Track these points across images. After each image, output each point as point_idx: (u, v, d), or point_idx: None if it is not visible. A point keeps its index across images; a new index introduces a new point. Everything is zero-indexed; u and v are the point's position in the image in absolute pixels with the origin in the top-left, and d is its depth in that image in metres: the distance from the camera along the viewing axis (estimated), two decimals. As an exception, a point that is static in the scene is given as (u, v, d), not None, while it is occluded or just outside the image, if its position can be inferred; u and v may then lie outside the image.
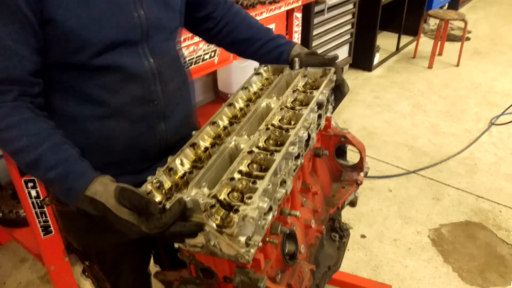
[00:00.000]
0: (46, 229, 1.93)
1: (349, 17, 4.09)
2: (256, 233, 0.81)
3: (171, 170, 0.91)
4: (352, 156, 1.52)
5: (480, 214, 2.75)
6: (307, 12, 3.43)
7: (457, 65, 4.86)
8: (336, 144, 1.42)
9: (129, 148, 1.10)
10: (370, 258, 2.43)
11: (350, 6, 4.02)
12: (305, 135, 1.00)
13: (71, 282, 2.17)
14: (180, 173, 0.93)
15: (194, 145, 0.99)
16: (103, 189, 0.84)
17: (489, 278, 2.30)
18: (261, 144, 0.99)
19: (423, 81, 4.56)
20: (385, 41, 5.16)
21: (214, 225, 0.80)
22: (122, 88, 1.04)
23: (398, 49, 5.20)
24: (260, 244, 0.82)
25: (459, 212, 2.77)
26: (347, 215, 2.71)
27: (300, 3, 3.07)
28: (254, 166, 0.93)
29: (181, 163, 0.95)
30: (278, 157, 0.91)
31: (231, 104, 1.14)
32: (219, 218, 0.81)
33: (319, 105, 1.14)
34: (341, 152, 1.50)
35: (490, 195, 2.91)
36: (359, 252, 2.47)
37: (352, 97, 4.15)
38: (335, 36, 3.99)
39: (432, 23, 6.01)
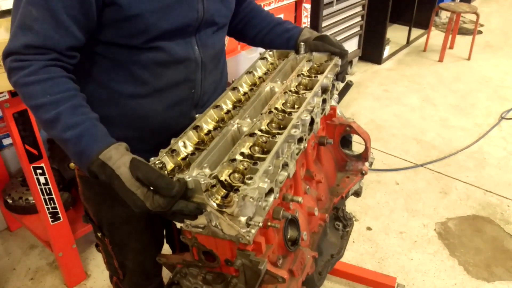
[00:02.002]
0: (54, 216, 1.96)
1: (359, 9, 4.06)
2: (257, 214, 0.82)
3: (173, 152, 0.92)
4: (358, 149, 1.52)
5: (487, 209, 2.73)
6: (316, 3, 3.42)
7: (468, 58, 4.80)
8: (341, 134, 1.42)
9: (159, 129, 1.14)
10: (376, 250, 2.43)
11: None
12: (308, 118, 1.00)
13: (79, 269, 2.21)
14: (182, 155, 0.94)
15: (197, 128, 1.00)
16: (118, 156, 0.86)
17: (495, 272, 2.29)
18: (263, 127, 1.00)
19: (433, 74, 4.51)
20: (396, 34, 5.11)
21: (214, 204, 0.81)
22: (166, 72, 1.08)
23: (408, 42, 5.15)
24: (261, 224, 0.82)
25: (467, 206, 2.75)
26: (353, 207, 2.71)
27: (309, -6, 3.05)
28: (256, 148, 0.93)
29: (184, 145, 0.96)
30: (280, 139, 0.91)
31: (235, 88, 1.15)
32: (219, 198, 0.82)
33: (324, 90, 1.14)
34: (346, 142, 1.50)
35: (498, 190, 2.88)
36: (364, 244, 2.47)
37: (361, 90, 4.13)
38: (344, 28, 3.97)
39: (444, 16, 5.93)
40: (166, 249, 1.47)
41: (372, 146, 1.63)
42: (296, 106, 1.07)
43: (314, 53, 1.26)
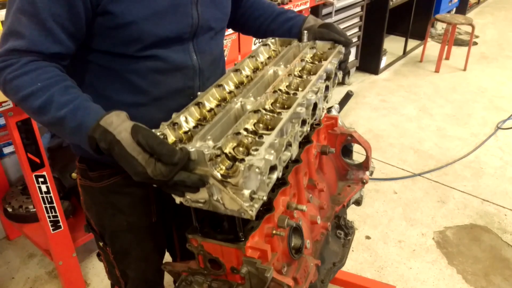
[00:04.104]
0: (55, 224, 1.96)
1: (356, 20, 4.11)
2: (261, 189, 0.79)
3: (175, 125, 0.89)
4: (358, 158, 1.54)
5: (485, 217, 2.75)
6: (315, 14, 3.46)
7: (464, 69, 4.86)
8: (343, 143, 1.44)
9: None
10: (375, 259, 2.44)
11: (358, 9, 4.04)
12: (314, 98, 0.98)
13: (78, 278, 2.20)
14: (184, 129, 0.91)
15: (199, 104, 0.96)
16: (119, 122, 0.83)
17: (494, 281, 2.30)
18: (267, 106, 0.97)
19: (429, 85, 4.56)
20: (392, 44, 5.16)
21: (218, 174, 0.78)
22: (164, 80, 1.08)
23: (405, 53, 5.21)
24: (265, 198, 0.80)
25: (464, 215, 2.77)
26: (352, 216, 2.72)
27: (308, 5, 3.10)
28: (260, 125, 0.91)
29: (186, 120, 0.92)
30: (285, 116, 0.89)
31: (237, 70, 1.12)
32: (224, 168, 0.79)
33: (327, 76, 1.12)
34: (347, 151, 1.52)
35: (495, 199, 2.91)
36: (363, 253, 2.48)
37: (359, 100, 4.17)
38: (342, 39, 4.01)
39: (440, 27, 6.01)
40: (166, 257, 1.47)
41: (371, 155, 1.66)
42: (300, 89, 1.04)
43: (317, 41, 1.24)
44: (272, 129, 0.87)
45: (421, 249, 2.51)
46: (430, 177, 3.13)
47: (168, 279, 1.41)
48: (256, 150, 0.79)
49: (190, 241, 0.96)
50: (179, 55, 1.08)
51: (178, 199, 0.84)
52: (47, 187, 1.86)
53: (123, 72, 1.04)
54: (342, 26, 3.93)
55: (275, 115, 0.91)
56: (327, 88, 1.12)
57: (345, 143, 1.45)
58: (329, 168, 1.43)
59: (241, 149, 0.84)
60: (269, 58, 1.23)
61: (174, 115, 0.92)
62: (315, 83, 1.04)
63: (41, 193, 1.86)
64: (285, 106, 0.97)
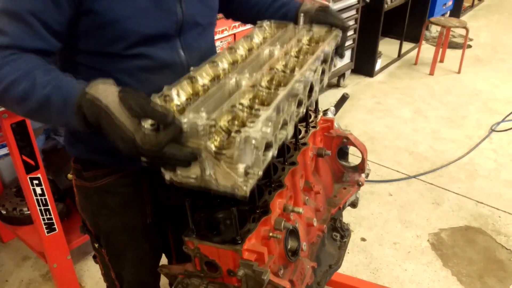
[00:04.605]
0: (50, 227, 1.95)
1: (351, 22, 4.12)
2: (256, 165, 0.75)
3: (166, 97, 0.85)
4: (353, 160, 1.55)
5: (479, 219, 2.77)
6: (310, 17, 3.47)
7: (459, 72, 4.89)
8: (338, 145, 1.44)
9: None
10: (370, 261, 2.45)
11: (353, 12, 4.06)
12: (311, 77, 0.95)
13: (73, 280, 2.19)
14: (175, 103, 0.87)
15: (191, 79, 0.92)
16: (106, 87, 0.78)
17: (488, 283, 2.32)
18: (263, 84, 0.93)
19: (424, 87, 4.59)
20: (387, 47, 5.19)
21: (212, 146, 0.73)
22: (152, 78, 1.07)
23: (399, 56, 5.23)
24: (260, 174, 0.76)
25: (459, 217, 2.79)
26: (347, 218, 2.72)
27: (303, 8, 3.10)
28: (256, 101, 0.87)
29: (177, 94, 0.88)
30: (282, 92, 0.85)
31: (231, 48, 1.09)
32: (218, 140, 0.75)
33: (324, 59, 1.09)
34: (343, 153, 1.52)
35: (489, 201, 2.92)
36: (359, 255, 2.49)
37: (354, 102, 4.18)
38: (337, 42, 4.03)
39: (434, 30, 6.04)
40: (162, 259, 1.47)
41: (367, 157, 1.67)
42: (297, 69, 1.01)
43: (314, 25, 1.21)
44: (268, 105, 0.82)
45: (416, 251, 2.52)
46: (425, 179, 3.15)
47: (164, 281, 1.40)
48: (253, 122, 0.74)
49: (187, 244, 0.95)
50: (166, 53, 1.07)
51: (168, 175, 0.79)
52: (42, 189, 1.85)
53: (111, 72, 1.03)
54: (337, 28, 3.95)
55: (273, 90, 0.87)
56: (323, 71, 1.08)
57: (341, 146, 1.45)
58: (325, 171, 1.43)
59: (236, 122, 0.80)
60: (264, 39, 1.19)
61: (165, 88, 0.86)
62: (313, 63, 1.00)
63: (36, 195, 1.85)
64: (282, 84, 0.93)
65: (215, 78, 0.97)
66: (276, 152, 0.83)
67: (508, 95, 4.39)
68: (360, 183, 1.48)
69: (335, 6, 3.68)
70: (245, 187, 0.74)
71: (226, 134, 0.77)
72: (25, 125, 1.72)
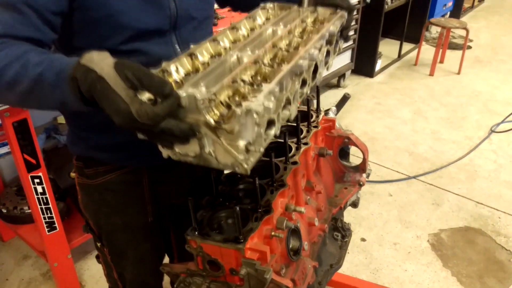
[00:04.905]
0: (50, 225, 1.95)
1: (352, 23, 4.12)
2: (257, 142, 0.72)
3: (165, 72, 0.81)
4: (353, 161, 1.55)
5: (479, 220, 2.77)
6: (311, 17, 3.47)
7: (458, 73, 4.90)
8: (340, 145, 1.45)
9: None
10: (370, 261, 2.45)
11: (353, 12, 4.06)
12: (317, 54, 0.91)
13: (73, 279, 2.19)
14: (174, 78, 0.83)
15: (191, 55, 0.88)
16: (101, 57, 0.73)
17: (488, 283, 2.32)
18: (266, 61, 0.90)
19: (424, 88, 4.59)
20: (387, 48, 5.19)
21: (212, 120, 0.69)
22: None
23: (400, 56, 5.24)
24: (262, 150, 0.73)
25: (459, 217, 2.79)
26: (347, 218, 2.72)
27: (304, 8, 3.10)
28: (258, 78, 0.84)
29: (177, 70, 0.84)
30: (286, 67, 0.82)
31: (234, 28, 1.06)
32: (218, 114, 0.71)
33: (329, 41, 1.06)
34: (344, 153, 1.53)
35: (489, 202, 2.93)
36: (359, 255, 2.49)
37: (354, 103, 4.18)
38: (338, 42, 4.03)
39: (434, 31, 6.05)
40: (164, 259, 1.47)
41: (367, 158, 1.67)
42: (301, 47, 0.96)
43: (318, 7, 1.18)
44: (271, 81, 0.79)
45: (416, 252, 2.52)
46: (425, 179, 3.15)
47: (166, 280, 1.40)
48: (255, 97, 0.71)
49: (189, 243, 0.96)
50: (162, 48, 1.07)
51: (165, 153, 0.76)
52: (43, 188, 1.86)
53: None
54: (338, 29, 3.95)
55: (276, 66, 0.84)
56: (328, 53, 1.04)
57: (342, 146, 1.45)
58: (326, 170, 1.43)
59: (237, 98, 0.76)
60: (267, 20, 1.16)
61: (164, 63, 0.83)
62: (318, 41, 0.97)
63: (37, 194, 1.85)
64: (285, 62, 0.89)
65: (216, 56, 0.92)
66: (278, 131, 0.79)
67: (508, 96, 4.39)
68: (361, 183, 1.49)
69: (336, 7, 3.68)
70: (246, 165, 0.71)
71: (227, 109, 0.73)
72: (27, 124, 1.72)
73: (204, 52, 0.92)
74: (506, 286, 2.31)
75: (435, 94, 4.46)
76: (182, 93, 0.68)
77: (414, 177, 3.17)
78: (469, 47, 5.57)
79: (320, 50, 0.95)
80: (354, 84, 4.62)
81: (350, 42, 4.25)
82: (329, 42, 1.04)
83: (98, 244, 1.33)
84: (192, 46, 0.91)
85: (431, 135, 3.74)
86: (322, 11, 1.17)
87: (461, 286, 2.30)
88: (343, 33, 1.16)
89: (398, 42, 5.20)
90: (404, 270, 2.39)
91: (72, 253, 2.13)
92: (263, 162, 1.20)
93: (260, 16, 1.15)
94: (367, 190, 2.99)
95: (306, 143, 1.22)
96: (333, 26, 1.05)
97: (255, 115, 0.67)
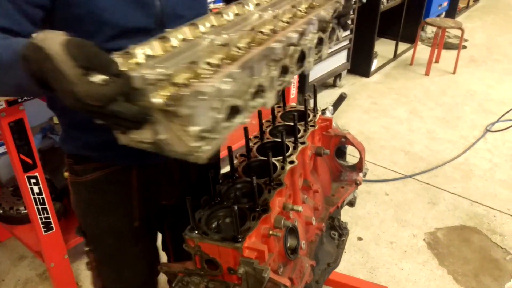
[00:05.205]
0: (47, 226, 1.95)
1: (350, 10, 4.13)
2: (216, 130, 0.67)
3: (127, 54, 0.75)
4: (350, 160, 1.56)
5: (475, 219, 2.79)
6: (307, 17, 3.48)
7: (454, 72, 4.92)
8: (337, 144, 1.45)
9: None
10: (367, 260, 2.46)
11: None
12: (296, 38, 0.86)
13: (70, 280, 2.18)
14: (137, 60, 0.77)
15: (163, 38, 0.82)
16: (52, 36, 0.69)
17: (484, 281, 2.33)
18: (241, 45, 0.83)
19: (420, 87, 4.61)
20: (383, 47, 5.21)
21: (160, 101, 0.65)
22: None
23: (395, 56, 5.26)
24: (223, 138, 0.68)
25: (454, 216, 2.81)
26: (344, 217, 2.71)
27: (300, 8, 3.11)
28: (227, 61, 0.77)
29: (144, 52, 0.78)
30: (255, 50, 0.76)
31: (219, 13, 0.98)
32: (167, 96, 0.66)
33: (322, 27, 0.98)
34: (341, 153, 1.53)
35: (485, 200, 2.95)
36: (355, 254, 2.50)
37: (350, 102, 4.19)
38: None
39: (429, 31, 6.08)
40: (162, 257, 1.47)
41: (364, 157, 1.69)
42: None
43: None
44: None
45: (413, 250, 2.53)
46: (420, 179, 3.17)
47: (163, 279, 1.40)
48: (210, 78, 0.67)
49: (187, 242, 0.96)
50: None
51: (122, 140, 0.73)
52: (40, 188, 1.85)
53: None
54: (334, 29, 3.96)
55: (247, 49, 0.78)
56: (321, 41, 0.97)
57: (339, 145, 1.46)
58: (323, 170, 1.44)
59: (196, 81, 0.70)
60: (257, 6, 1.07)
61: (131, 46, 0.78)
62: (300, 25, 0.90)
63: (33, 194, 1.85)
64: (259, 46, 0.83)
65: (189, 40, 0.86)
66: (248, 120, 0.74)
67: (503, 96, 4.42)
68: (358, 182, 1.49)
69: (332, 7, 3.69)
70: (202, 153, 0.65)
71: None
72: (23, 124, 1.71)
73: (178, 36, 0.85)
74: (501, 284, 2.32)
75: (430, 94, 4.48)
76: (134, 74, 0.64)
77: (410, 176, 3.19)
78: (464, 47, 5.60)
79: (303, 34, 0.88)
80: (350, 84, 4.63)
81: (346, 42, 4.26)
82: (322, 29, 0.98)
83: (86, 249, 1.30)
84: (166, 30, 0.85)
85: (427, 134, 3.76)
86: None
87: (457, 284, 2.32)
88: (340, 21, 1.08)
89: (393, 42, 5.21)
90: (400, 269, 2.40)
91: (69, 253, 2.12)
92: (261, 161, 1.21)
93: (252, 1, 1.07)
94: (363, 189, 3.00)
95: (303, 142, 1.23)
96: (324, 11, 0.99)
97: (206, 98, 0.62)
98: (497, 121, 3.94)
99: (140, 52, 0.76)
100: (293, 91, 3.57)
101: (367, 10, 4.31)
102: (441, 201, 2.94)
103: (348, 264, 2.42)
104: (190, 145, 0.64)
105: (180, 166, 1.23)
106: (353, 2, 1.13)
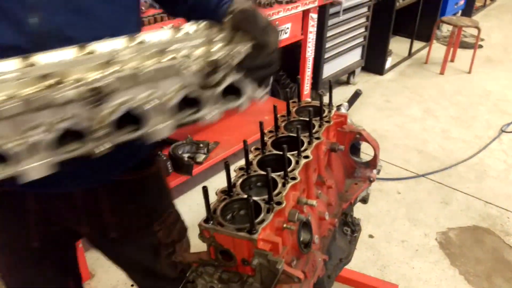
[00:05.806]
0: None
1: (363, 20, 4.12)
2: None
3: None
4: (363, 157, 1.56)
5: (488, 220, 2.76)
6: (322, 13, 3.47)
7: (469, 72, 4.86)
8: (351, 141, 1.45)
9: None
10: (378, 258, 2.45)
11: (365, 9, 4.05)
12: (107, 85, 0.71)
13: (83, 268, 2.21)
14: None
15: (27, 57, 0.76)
16: None
17: (496, 283, 2.32)
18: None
19: (434, 86, 4.57)
20: (398, 45, 5.17)
21: None
22: None
23: (410, 54, 5.22)
24: (17, 148, 0.65)
25: (467, 216, 2.79)
26: (355, 214, 2.73)
27: (316, 3, 3.11)
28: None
29: None
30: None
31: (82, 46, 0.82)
32: None
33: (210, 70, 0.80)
34: (355, 149, 1.53)
35: (498, 201, 2.92)
36: (366, 251, 2.50)
37: (363, 100, 4.17)
38: (348, 39, 4.03)
39: (445, 29, 6.01)
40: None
41: (377, 154, 1.69)
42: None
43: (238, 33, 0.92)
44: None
45: (424, 249, 2.52)
46: (433, 178, 3.14)
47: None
48: None
49: (202, 232, 0.97)
50: None
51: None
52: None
53: None
54: (348, 26, 3.95)
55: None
56: (193, 101, 0.81)
57: (354, 141, 1.46)
58: (337, 166, 1.44)
59: None
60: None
61: None
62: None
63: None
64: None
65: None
66: (55, 135, 0.67)
67: (519, 96, 4.37)
68: (371, 179, 1.49)
69: (347, 3, 3.67)
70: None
71: None
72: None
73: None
74: (514, 286, 2.31)
75: (445, 93, 4.43)
76: None
77: (423, 175, 3.16)
78: (480, 46, 5.53)
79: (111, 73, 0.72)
80: (363, 81, 4.61)
81: (361, 39, 4.24)
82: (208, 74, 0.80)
83: None
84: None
85: (441, 133, 3.72)
86: (240, 37, 0.90)
87: (468, 284, 2.30)
88: (250, 74, 0.88)
89: (408, 40, 5.17)
90: (411, 268, 2.39)
91: (82, 242, 2.15)
92: (275, 156, 1.22)
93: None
94: (375, 187, 2.99)
95: (318, 138, 1.23)
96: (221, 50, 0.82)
97: None
98: (513, 121, 3.89)
99: None
100: (307, 87, 3.57)
101: (382, 8, 4.29)
102: (454, 201, 2.92)
103: (359, 261, 2.41)
104: None
105: (85, 196, 1.14)
106: (271, 52, 0.90)
